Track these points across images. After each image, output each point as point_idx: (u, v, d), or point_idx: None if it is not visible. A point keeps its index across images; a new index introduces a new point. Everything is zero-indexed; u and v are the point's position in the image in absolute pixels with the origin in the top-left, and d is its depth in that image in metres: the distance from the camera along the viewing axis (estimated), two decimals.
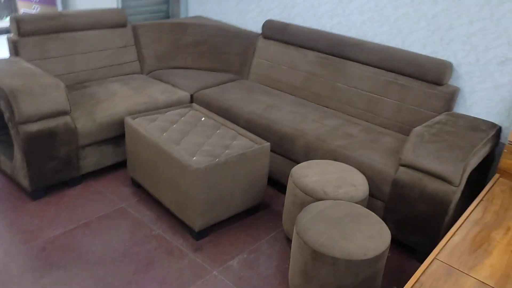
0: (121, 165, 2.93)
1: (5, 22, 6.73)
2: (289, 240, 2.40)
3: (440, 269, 1.65)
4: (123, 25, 3.27)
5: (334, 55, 3.06)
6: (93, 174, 2.78)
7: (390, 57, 2.79)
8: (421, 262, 2.30)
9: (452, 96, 2.62)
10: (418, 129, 2.31)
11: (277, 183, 2.92)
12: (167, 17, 4.31)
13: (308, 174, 2.24)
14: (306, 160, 2.60)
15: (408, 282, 1.57)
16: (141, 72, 3.42)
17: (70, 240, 2.23)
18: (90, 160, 2.66)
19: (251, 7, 3.65)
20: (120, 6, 3.63)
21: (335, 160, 2.48)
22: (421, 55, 2.71)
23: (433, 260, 1.70)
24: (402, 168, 2.25)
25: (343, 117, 2.90)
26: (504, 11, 2.43)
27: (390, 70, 2.82)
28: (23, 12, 3.82)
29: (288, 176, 2.72)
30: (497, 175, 2.37)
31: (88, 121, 2.55)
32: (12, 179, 2.67)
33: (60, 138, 2.43)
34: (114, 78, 3.18)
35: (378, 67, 2.86)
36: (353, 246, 1.74)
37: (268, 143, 2.42)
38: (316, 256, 1.74)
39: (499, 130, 2.50)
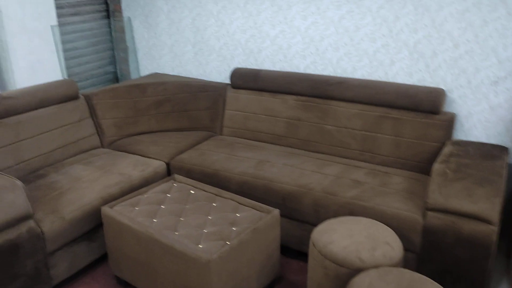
0: (99, 261, 2.45)
1: None
2: None
3: None
4: (75, 97, 2.86)
5: (316, 97, 2.85)
6: (66, 281, 2.29)
7: (379, 91, 2.63)
8: None
9: (450, 123, 2.48)
10: (437, 167, 2.11)
11: (285, 248, 2.58)
12: (116, 78, 3.94)
13: (333, 239, 1.94)
14: (316, 218, 2.31)
15: None
16: (102, 146, 3.00)
17: None
18: (61, 266, 2.18)
19: (212, 57, 3.39)
20: (65, 75, 3.21)
21: (352, 214, 2.22)
22: (410, 85, 2.57)
23: None
24: (430, 213, 2.03)
25: (340, 161, 2.66)
26: (489, 31, 2.36)
27: (380, 104, 2.65)
28: None
29: (298, 239, 2.42)
30: None
31: (55, 220, 2.09)
32: None
33: (24, 250, 1.95)
34: (72, 158, 2.73)
35: (367, 103, 2.69)
36: None
37: (277, 210, 2.11)
38: None
39: (508, 152, 2.38)
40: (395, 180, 2.41)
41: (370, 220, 2.09)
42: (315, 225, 2.32)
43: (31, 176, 2.49)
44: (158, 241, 1.90)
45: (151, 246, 1.94)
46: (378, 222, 2.08)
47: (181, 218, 2.07)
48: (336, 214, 2.25)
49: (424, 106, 2.51)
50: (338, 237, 1.95)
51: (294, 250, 2.51)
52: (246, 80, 3.08)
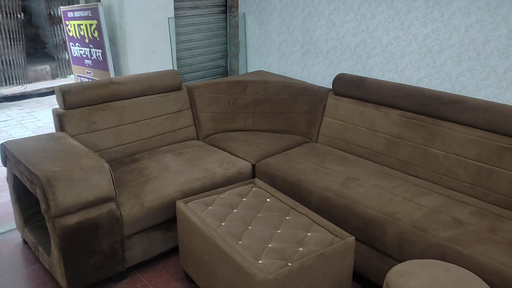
0: (173, 251, 2.50)
1: (70, 79, 6.87)
2: None
3: None
4: (177, 88, 2.97)
5: (425, 115, 2.51)
6: (140, 265, 2.39)
7: (505, 118, 2.20)
8: None
9: None
10: None
11: (363, 278, 2.34)
12: (225, 72, 4.02)
13: (410, 286, 1.67)
14: (400, 254, 2.03)
15: None
16: (197, 138, 3.07)
17: None
18: (137, 250, 2.27)
19: (318, 59, 3.23)
20: (175, 66, 3.36)
21: (443, 259, 1.89)
22: None
23: None
24: None
25: (442, 192, 2.31)
26: None
27: (504, 133, 2.22)
28: (78, 76, 3.69)
29: (377, 271, 2.16)
30: None
31: (135, 206, 2.18)
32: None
33: (103, 230, 2.07)
34: (167, 147, 2.84)
35: (488, 130, 2.27)
36: None
37: (352, 237, 1.89)
38: None
39: None
40: (509, 227, 1.99)
41: (464, 270, 1.76)
42: (398, 260, 2.05)
43: (127, 159, 2.65)
44: (219, 247, 1.85)
45: (213, 250, 1.90)
46: (474, 276, 1.74)
47: (249, 227, 1.99)
48: (423, 254, 1.94)
49: None
50: (417, 285, 1.67)
51: (372, 283, 2.26)
52: (349, 87, 2.86)
